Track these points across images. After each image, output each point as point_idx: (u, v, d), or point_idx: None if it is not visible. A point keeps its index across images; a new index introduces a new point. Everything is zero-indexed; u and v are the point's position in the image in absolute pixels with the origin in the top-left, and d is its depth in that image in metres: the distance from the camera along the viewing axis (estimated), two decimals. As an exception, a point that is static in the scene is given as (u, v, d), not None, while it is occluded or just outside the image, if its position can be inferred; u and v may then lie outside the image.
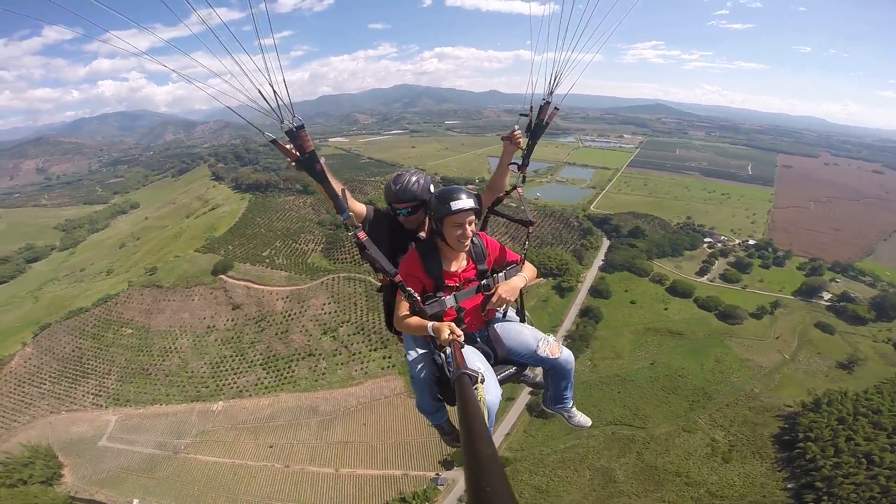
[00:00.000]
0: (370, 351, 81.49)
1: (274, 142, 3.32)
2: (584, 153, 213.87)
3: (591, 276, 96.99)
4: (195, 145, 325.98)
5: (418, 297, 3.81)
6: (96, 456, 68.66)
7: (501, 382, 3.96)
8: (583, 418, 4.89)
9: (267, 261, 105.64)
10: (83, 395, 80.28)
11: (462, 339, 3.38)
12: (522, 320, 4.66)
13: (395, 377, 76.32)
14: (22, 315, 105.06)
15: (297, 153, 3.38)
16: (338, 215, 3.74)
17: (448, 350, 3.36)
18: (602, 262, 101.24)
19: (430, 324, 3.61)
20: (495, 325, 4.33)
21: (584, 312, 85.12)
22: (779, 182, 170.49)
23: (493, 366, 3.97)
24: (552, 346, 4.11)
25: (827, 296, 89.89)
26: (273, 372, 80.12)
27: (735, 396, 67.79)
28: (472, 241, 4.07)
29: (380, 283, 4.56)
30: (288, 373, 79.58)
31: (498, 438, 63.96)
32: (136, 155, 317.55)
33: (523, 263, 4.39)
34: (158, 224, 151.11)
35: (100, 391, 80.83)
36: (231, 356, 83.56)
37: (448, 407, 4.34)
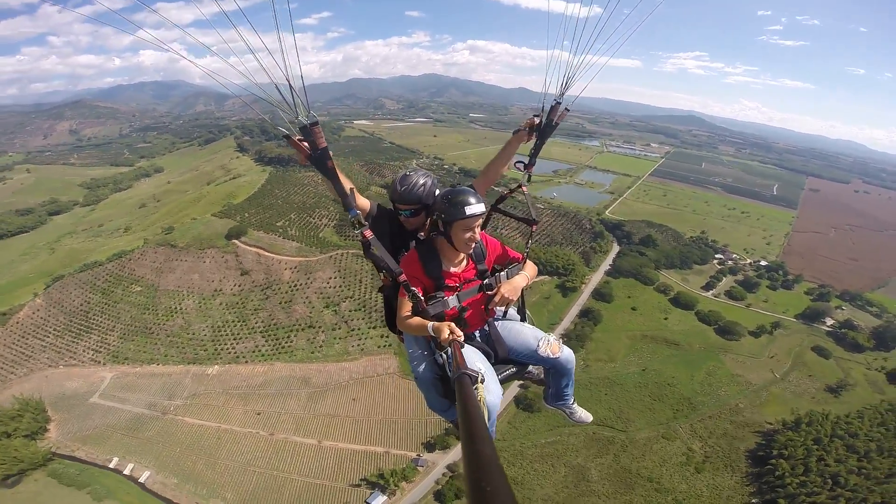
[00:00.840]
0: (369, 328, 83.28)
1: (287, 137, 3.37)
2: (608, 158, 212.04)
3: (596, 278, 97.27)
4: (224, 117, 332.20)
5: (422, 297, 3.83)
6: (85, 412, 70.44)
7: (502, 382, 3.99)
8: (584, 414, 4.94)
9: (280, 231, 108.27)
10: (83, 351, 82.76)
11: (462, 339, 3.39)
12: (523, 319, 4.71)
13: (390, 356, 78.03)
14: (37, 265, 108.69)
15: (310, 149, 3.42)
16: (346, 212, 3.81)
17: (448, 350, 3.36)
18: (609, 267, 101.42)
19: (430, 324, 3.62)
20: (496, 325, 4.38)
21: (584, 313, 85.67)
22: (803, 205, 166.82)
23: (493, 365, 3.99)
24: (552, 346, 4.15)
25: (829, 321, 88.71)
26: (272, 340, 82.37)
27: (719, 409, 68.19)
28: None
29: (381, 283, 4.45)
30: (286, 342, 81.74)
31: (483, 428, 65.64)
32: (167, 123, 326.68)
33: (525, 262, 4.40)
34: (179, 188, 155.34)
35: (100, 347, 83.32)
36: (233, 321, 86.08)
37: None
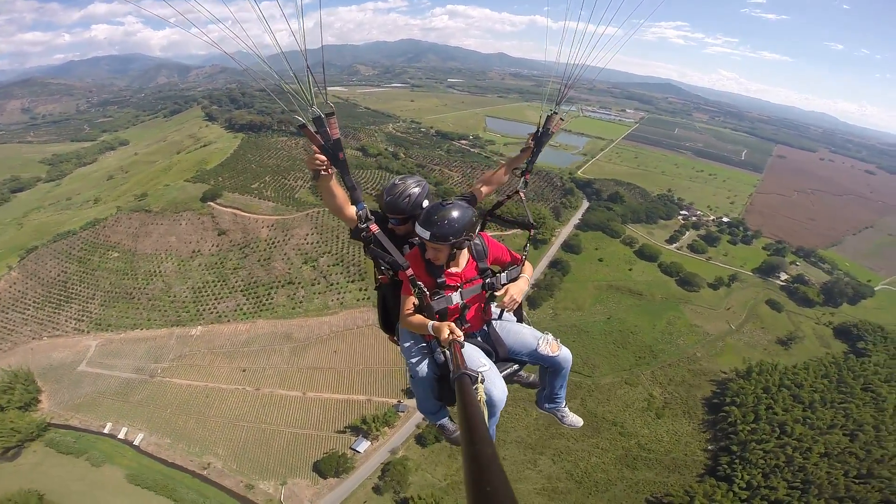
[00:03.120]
0: (348, 282, 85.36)
1: (303, 126, 3.39)
2: (583, 122, 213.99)
3: (565, 232, 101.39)
4: (189, 88, 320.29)
5: (427, 292, 3.81)
6: (74, 381, 70.77)
7: None
8: (574, 418, 4.96)
9: (255, 192, 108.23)
10: (66, 321, 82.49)
11: (462, 339, 3.42)
12: (520, 320, 4.71)
13: (369, 309, 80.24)
14: (6, 241, 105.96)
15: (323, 140, 3.46)
16: (353, 205, 3.85)
17: (448, 350, 3.38)
18: (578, 221, 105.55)
19: (430, 323, 3.64)
20: (495, 325, 4.41)
21: (554, 264, 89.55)
22: (768, 170, 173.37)
23: (494, 364, 4.03)
24: (552, 344, 4.20)
25: (783, 276, 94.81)
26: (253, 298, 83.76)
27: (678, 358, 72.83)
28: (473, 240, 4.12)
29: (378, 281, 4.42)
30: (267, 299, 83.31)
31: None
32: (128, 96, 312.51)
33: (523, 264, 4.43)
34: (148, 159, 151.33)
35: (82, 316, 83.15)
36: (213, 281, 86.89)
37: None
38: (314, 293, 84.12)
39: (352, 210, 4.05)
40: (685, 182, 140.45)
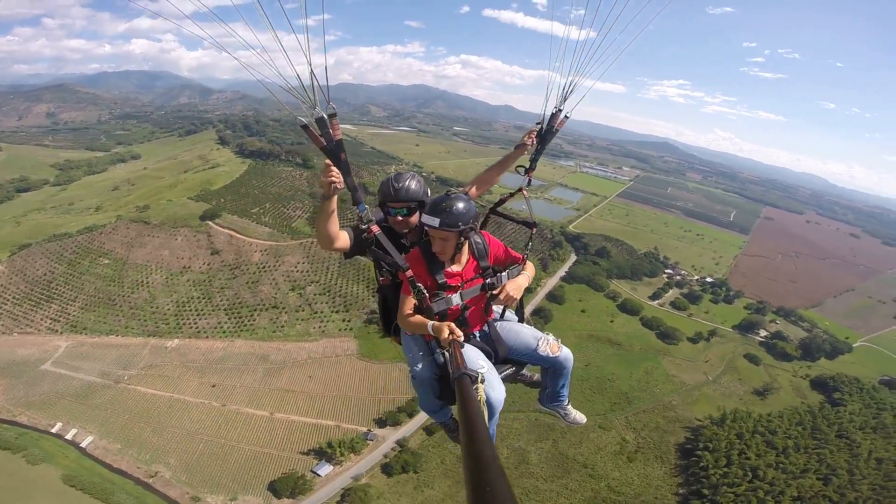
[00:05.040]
0: (332, 312, 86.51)
1: (305, 127, 3.40)
2: (580, 178, 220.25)
3: (551, 282, 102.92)
4: (208, 111, 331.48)
5: (427, 294, 3.82)
6: (34, 379, 70.24)
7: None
8: (578, 416, 4.96)
9: (254, 217, 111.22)
10: (41, 320, 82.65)
11: (462, 339, 3.43)
12: (521, 320, 4.72)
13: (350, 339, 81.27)
14: (1, 236, 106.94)
15: (325, 141, 3.48)
16: (354, 206, 3.86)
17: (448, 350, 3.39)
18: (564, 273, 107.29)
19: (430, 323, 3.64)
20: (495, 325, 4.39)
21: (537, 312, 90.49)
22: (755, 232, 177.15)
23: (493, 365, 4.00)
24: (552, 345, 4.18)
25: (763, 333, 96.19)
26: (235, 318, 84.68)
27: (653, 405, 73.08)
28: (474, 238, 4.15)
29: (379, 283, 4.43)
30: (249, 320, 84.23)
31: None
32: (149, 112, 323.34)
33: (525, 263, 4.41)
34: (155, 174, 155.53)
35: (59, 317, 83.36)
36: (198, 297, 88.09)
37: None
38: (297, 319, 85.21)
39: (344, 239, 4.12)
40: (672, 241, 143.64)
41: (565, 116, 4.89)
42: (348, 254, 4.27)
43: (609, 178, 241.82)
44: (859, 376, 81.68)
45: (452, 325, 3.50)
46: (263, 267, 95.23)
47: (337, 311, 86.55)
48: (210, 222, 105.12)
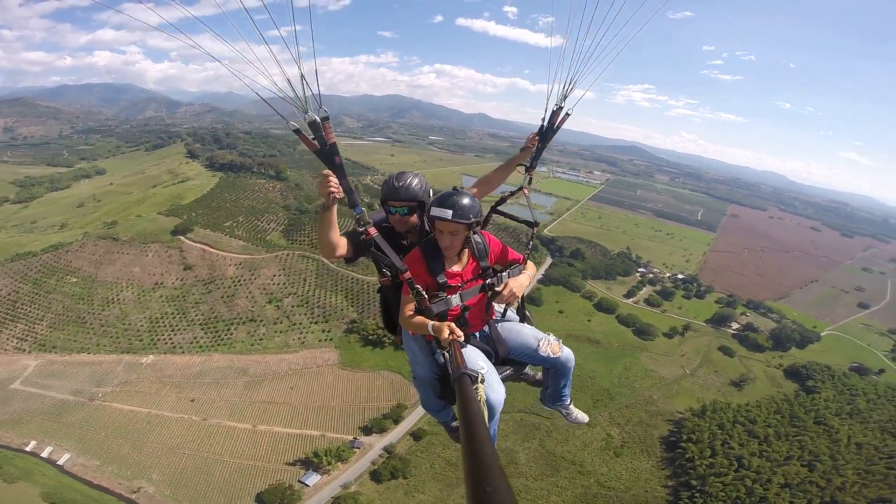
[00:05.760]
0: (311, 323, 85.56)
1: (297, 131, 3.38)
2: (553, 183, 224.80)
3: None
4: (175, 124, 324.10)
5: (426, 296, 3.81)
6: (3, 398, 67.69)
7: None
8: (580, 415, 4.96)
9: (227, 230, 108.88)
10: (7, 339, 79.44)
11: (462, 339, 3.40)
12: (522, 320, 4.71)
13: (330, 349, 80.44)
14: None
15: (318, 144, 3.47)
16: (350, 209, 3.82)
17: (449, 350, 3.35)
18: (541, 276, 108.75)
19: (430, 323, 3.62)
20: (496, 325, 4.37)
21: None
22: (722, 229, 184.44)
23: (494, 365, 3.98)
24: (553, 345, 4.17)
25: (734, 325, 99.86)
26: (211, 333, 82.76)
27: (635, 400, 74.64)
28: (474, 238, 4.10)
29: (379, 283, 4.35)
30: (226, 334, 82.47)
31: (419, 412, 68.00)
32: (113, 126, 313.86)
33: (525, 263, 4.40)
34: (122, 190, 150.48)
35: (26, 336, 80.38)
36: (172, 313, 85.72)
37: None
38: (275, 332, 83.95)
39: (343, 245, 4.08)
40: (644, 241, 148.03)
41: (566, 114, 4.81)
42: (350, 259, 4.25)
43: (581, 182, 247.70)
44: (830, 364, 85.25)
45: (453, 325, 3.46)
46: (239, 280, 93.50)
47: (316, 322, 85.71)
48: (182, 237, 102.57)
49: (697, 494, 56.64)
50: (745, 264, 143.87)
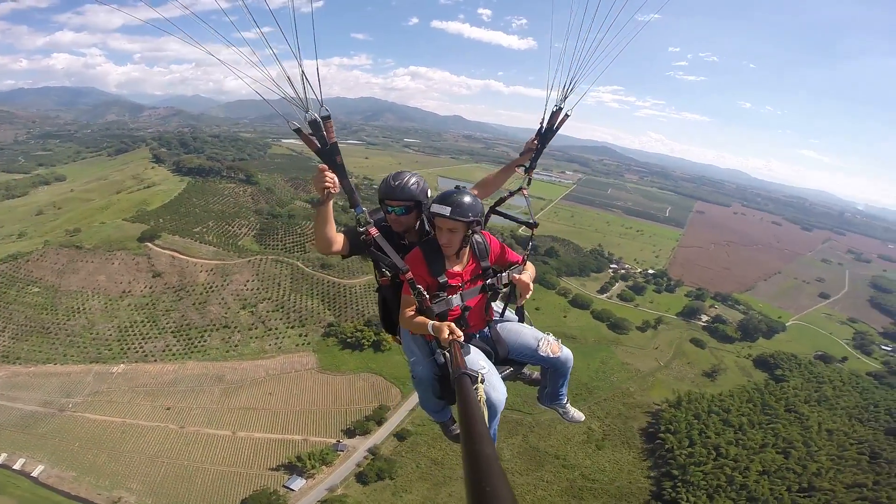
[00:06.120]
0: (287, 328, 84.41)
1: (298, 131, 3.36)
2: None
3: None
4: (139, 129, 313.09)
5: (426, 296, 3.81)
6: None
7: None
8: (577, 414, 4.99)
9: (197, 236, 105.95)
10: None
11: (462, 338, 3.42)
12: (521, 320, 4.68)
13: (308, 354, 79.62)
14: None
15: (319, 144, 3.45)
16: (351, 209, 3.81)
17: (449, 350, 3.35)
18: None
19: (430, 323, 3.62)
20: (495, 325, 4.37)
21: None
22: (689, 225, 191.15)
23: (493, 365, 3.97)
24: (553, 345, 4.17)
25: (704, 318, 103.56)
26: (184, 340, 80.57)
27: (613, 393, 76.43)
28: (475, 238, 4.10)
29: (378, 283, 4.34)
30: (200, 342, 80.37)
31: (402, 413, 68.71)
32: (73, 131, 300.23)
33: (525, 263, 4.40)
34: (84, 196, 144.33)
35: None
36: (142, 321, 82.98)
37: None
38: (251, 338, 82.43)
39: (340, 241, 4.06)
40: (615, 238, 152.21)
41: (566, 115, 4.75)
42: (345, 255, 4.22)
43: (554, 182, 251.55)
44: (796, 353, 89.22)
45: (453, 325, 3.47)
46: (210, 287, 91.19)
47: (292, 327, 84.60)
48: (149, 244, 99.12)
49: (680, 484, 57.80)
50: (712, 258, 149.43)
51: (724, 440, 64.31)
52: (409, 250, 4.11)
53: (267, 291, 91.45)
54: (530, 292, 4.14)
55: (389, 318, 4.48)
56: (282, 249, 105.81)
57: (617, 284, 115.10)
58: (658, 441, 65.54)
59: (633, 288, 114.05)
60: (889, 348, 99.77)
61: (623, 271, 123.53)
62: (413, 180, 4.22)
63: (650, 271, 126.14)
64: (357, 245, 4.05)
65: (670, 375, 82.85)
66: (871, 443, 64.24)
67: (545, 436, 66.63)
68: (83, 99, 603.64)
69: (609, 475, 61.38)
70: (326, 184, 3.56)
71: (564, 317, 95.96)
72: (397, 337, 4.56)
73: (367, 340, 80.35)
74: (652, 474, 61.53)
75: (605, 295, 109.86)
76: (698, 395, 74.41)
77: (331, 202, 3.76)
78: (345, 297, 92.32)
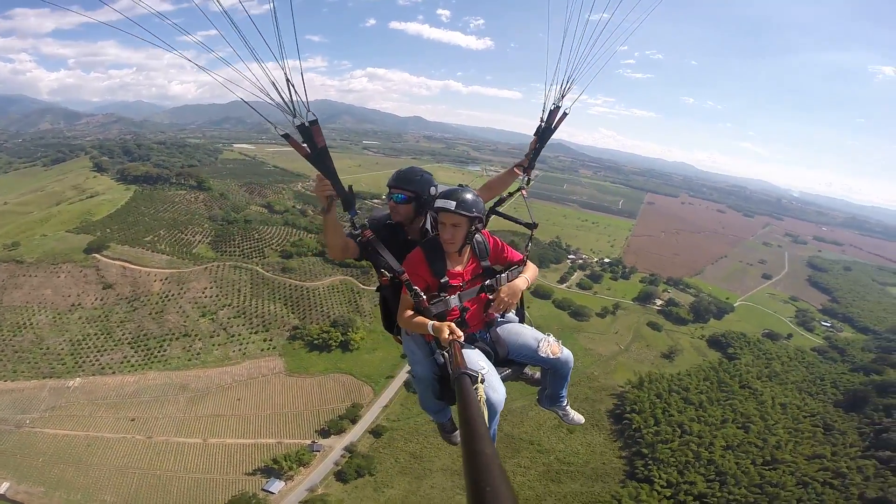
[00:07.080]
0: (251, 333, 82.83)
1: (286, 136, 3.34)
2: (485, 181, 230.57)
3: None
4: (77, 137, 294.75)
5: (424, 297, 3.81)
6: None
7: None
8: (576, 416, 5.00)
9: (148, 245, 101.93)
10: None
11: (462, 339, 3.42)
12: (522, 320, 4.67)
13: (274, 358, 78.54)
14: None
15: (308, 149, 3.43)
16: (346, 212, 3.82)
17: (449, 350, 3.35)
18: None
19: (430, 323, 3.62)
20: (496, 326, 4.35)
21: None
22: (641, 215, 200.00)
23: (493, 366, 3.95)
24: (553, 346, 4.15)
25: (658, 302, 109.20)
26: (142, 351, 77.68)
27: (578, 378, 78.04)
28: (475, 238, 4.12)
29: (378, 283, 4.37)
30: (159, 352, 77.64)
31: (376, 410, 68.86)
32: (2, 141, 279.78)
33: (525, 264, 4.40)
34: (21, 209, 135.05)
35: None
36: (95, 334, 79.28)
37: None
38: (213, 345, 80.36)
39: (351, 246, 4.07)
40: (572, 230, 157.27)
41: (564, 113, 4.78)
42: (359, 259, 4.23)
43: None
44: (745, 332, 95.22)
45: (452, 325, 3.49)
46: (166, 296, 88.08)
47: (256, 332, 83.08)
48: (97, 255, 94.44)
49: (651, 462, 59.99)
50: (663, 246, 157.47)
51: (687, 417, 67.26)
52: (412, 248, 4.17)
53: (227, 298, 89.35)
54: (512, 307, 4.24)
55: (390, 318, 4.52)
56: (239, 255, 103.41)
57: (575, 274, 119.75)
58: (625, 421, 67.95)
59: (591, 276, 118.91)
60: (828, 324, 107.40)
61: (581, 261, 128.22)
62: (418, 171, 4.38)
63: (606, 260, 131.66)
64: (364, 247, 4.09)
65: (631, 358, 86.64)
66: (823, 415, 68.77)
67: (518, 423, 67.86)
68: (13, 107, 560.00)
69: (583, 457, 63.07)
70: (327, 191, 3.68)
71: (528, 308, 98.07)
72: (398, 337, 4.56)
73: (335, 341, 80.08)
74: (623, 454, 63.56)
75: (565, 284, 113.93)
76: (658, 375, 77.73)
77: (334, 209, 3.83)
78: (308, 299, 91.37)
